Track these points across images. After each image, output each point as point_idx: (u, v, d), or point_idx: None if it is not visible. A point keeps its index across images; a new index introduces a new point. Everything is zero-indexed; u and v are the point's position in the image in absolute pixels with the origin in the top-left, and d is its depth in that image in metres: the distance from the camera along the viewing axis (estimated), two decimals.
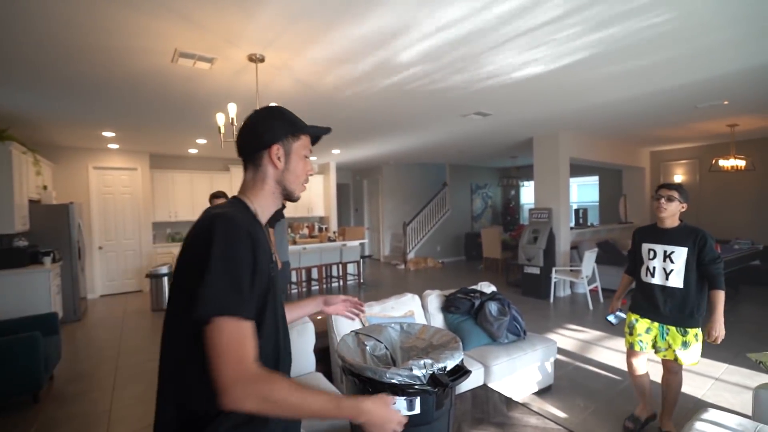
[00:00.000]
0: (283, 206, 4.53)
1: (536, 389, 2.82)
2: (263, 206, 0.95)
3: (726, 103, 4.32)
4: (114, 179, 6.60)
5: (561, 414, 2.60)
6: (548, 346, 2.86)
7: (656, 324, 2.17)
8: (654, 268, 2.15)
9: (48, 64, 2.88)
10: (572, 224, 6.63)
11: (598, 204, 8.84)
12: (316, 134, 1.01)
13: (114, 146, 6.25)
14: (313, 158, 7.28)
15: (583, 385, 3.00)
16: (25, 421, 2.64)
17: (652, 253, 2.17)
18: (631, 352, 2.29)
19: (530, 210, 6.26)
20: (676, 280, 2.08)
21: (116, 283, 6.63)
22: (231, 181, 7.68)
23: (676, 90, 3.82)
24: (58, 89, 3.44)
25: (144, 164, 6.81)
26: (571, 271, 5.74)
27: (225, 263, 0.76)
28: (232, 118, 2.96)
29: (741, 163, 5.85)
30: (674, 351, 2.11)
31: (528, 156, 7.67)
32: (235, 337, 0.74)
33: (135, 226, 6.75)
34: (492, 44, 2.71)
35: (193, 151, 6.95)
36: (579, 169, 7.78)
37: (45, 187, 5.39)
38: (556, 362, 3.08)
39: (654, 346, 2.21)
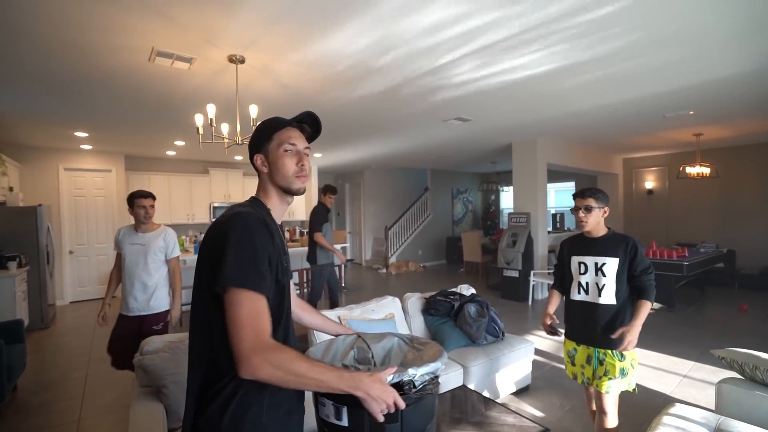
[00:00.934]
0: (328, 210, 4.50)
1: (514, 389, 2.87)
2: (273, 205, 1.09)
3: (692, 113, 4.54)
4: (86, 181, 6.37)
5: (538, 413, 2.65)
6: (526, 346, 2.92)
7: (592, 349, 1.92)
8: (587, 283, 1.93)
9: (14, 59, 2.77)
10: (550, 228, 6.81)
11: None
12: (285, 125, 1.08)
13: (87, 147, 6.04)
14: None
15: (559, 385, 3.06)
16: None
17: (582, 266, 1.95)
18: (586, 389, 2.08)
19: (509, 214, 6.40)
20: (609, 297, 1.87)
21: (88, 288, 6.37)
22: (210, 184, 7.53)
23: (646, 99, 3.99)
24: (26, 85, 3.31)
25: (119, 166, 6.60)
26: (549, 274, 5.88)
27: (243, 246, 0.87)
28: (211, 119, 2.92)
29: (706, 171, 6.15)
30: (608, 380, 1.83)
31: (507, 162, 7.84)
32: (254, 311, 0.83)
33: (108, 230, 6.50)
34: (470, 51, 2.78)
35: (170, 153, 6.79)
36: (556, 174, 7.99)
37: (11, 189, 5.15)
38: (534, 363, 3.14)
39: (593, 376, 1.93)
